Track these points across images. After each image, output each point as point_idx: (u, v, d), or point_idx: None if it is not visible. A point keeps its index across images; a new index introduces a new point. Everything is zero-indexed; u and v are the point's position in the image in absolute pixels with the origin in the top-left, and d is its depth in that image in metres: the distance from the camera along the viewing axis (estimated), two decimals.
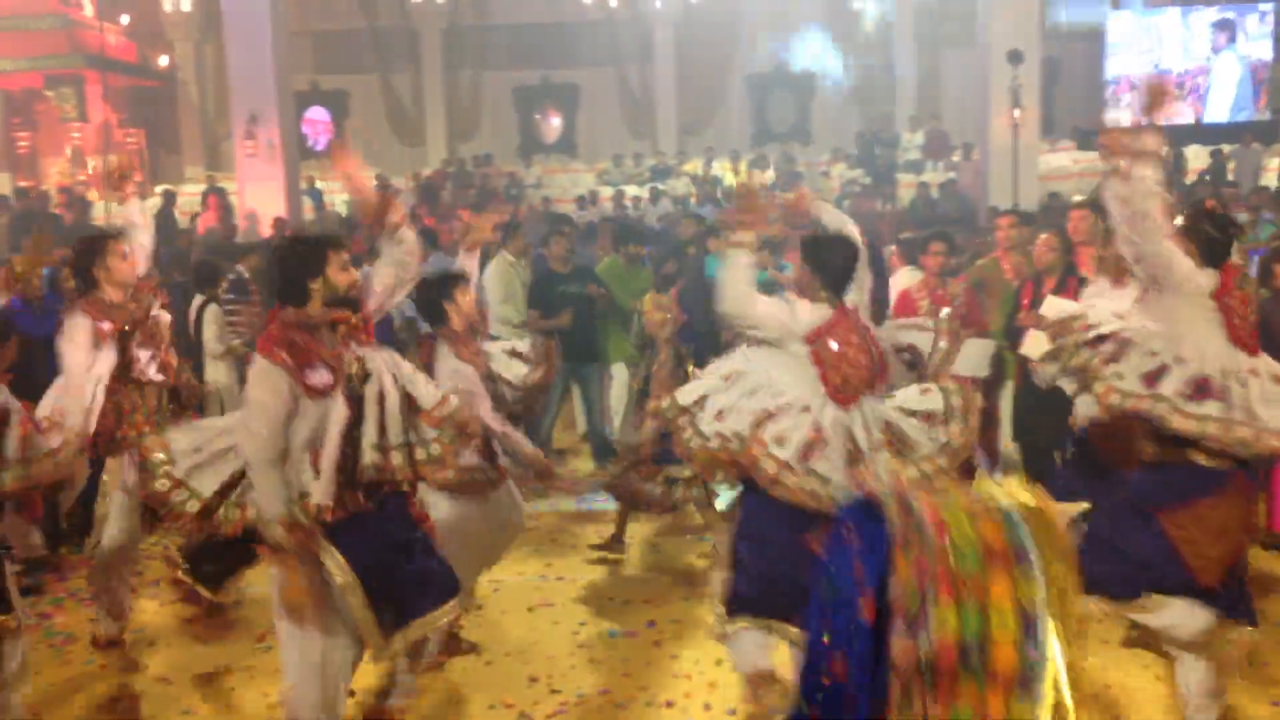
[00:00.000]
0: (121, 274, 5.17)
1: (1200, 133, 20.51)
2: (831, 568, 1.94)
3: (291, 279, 3.80)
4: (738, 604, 4.05)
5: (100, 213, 17.55)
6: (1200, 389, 3.76)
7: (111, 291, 5.16)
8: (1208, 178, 16.24)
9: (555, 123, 24.73)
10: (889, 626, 1.75)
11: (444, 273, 5.10)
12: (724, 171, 21.22)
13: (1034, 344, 6.18)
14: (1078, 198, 11.27)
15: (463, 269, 5.24)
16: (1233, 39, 21.63)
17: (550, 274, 8.62)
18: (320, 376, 3.70)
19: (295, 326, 3.76)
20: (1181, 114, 21.78)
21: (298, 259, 3.83)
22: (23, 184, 20.03)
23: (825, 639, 1.91)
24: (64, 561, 6.53)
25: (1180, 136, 19.47)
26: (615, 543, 6.59)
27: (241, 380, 8.39)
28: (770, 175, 20.80)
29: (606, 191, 20.07)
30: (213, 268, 8.96)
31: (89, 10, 19.86)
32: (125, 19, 21.20)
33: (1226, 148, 18.00)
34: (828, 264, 4.13)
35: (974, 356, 6.45)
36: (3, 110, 21.12)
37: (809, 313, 4.06)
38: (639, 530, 7.02)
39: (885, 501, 1.91)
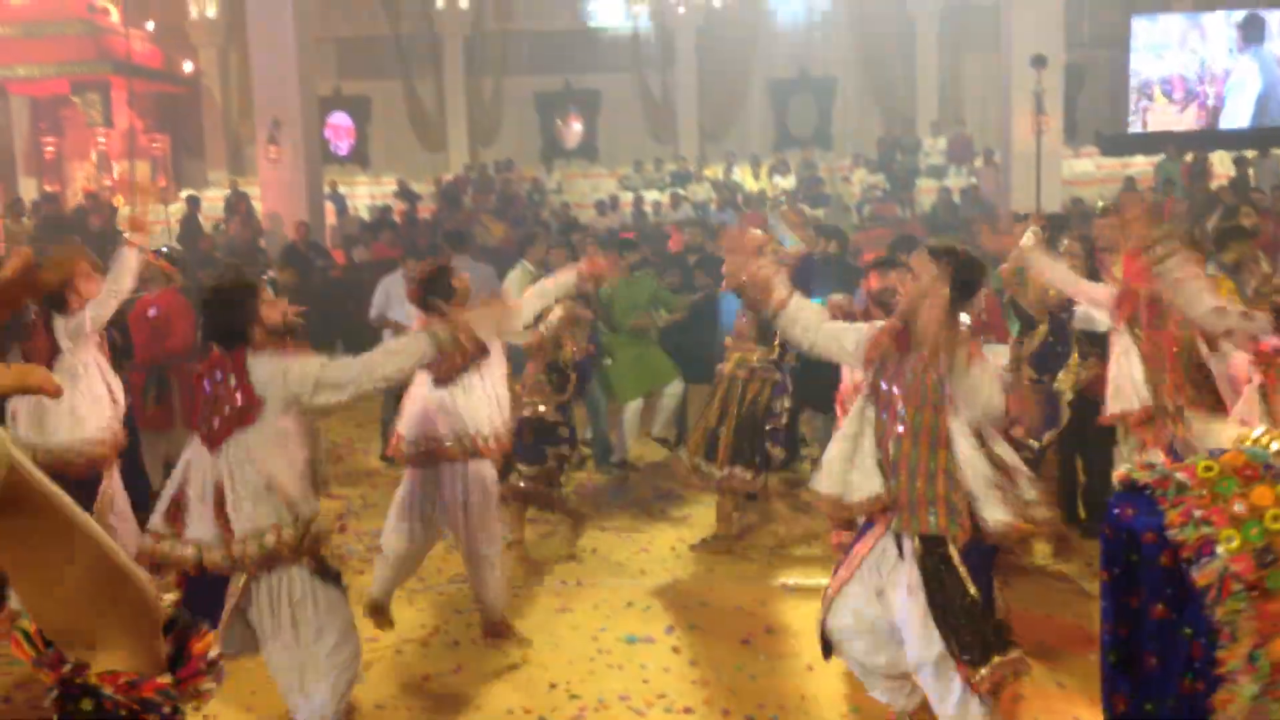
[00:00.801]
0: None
1: (1222, 138, 20.36)
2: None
3: (233, 324, 3.98)
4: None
5: (124, 218, 17.70)
6: None
7: None
8: (1233, 187, 16.08)
9: (576, 128, 24.77)
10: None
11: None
12: (745, 177, 21.21)
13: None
14: (1101, 203, 11.19)
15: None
16: (1260, 40, 21.42)
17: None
18: None
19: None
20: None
21: (233, 305, 3.99)
22: (49, 189, 20.23)
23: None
24: None
25: (1202, 142, 19.35)
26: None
27: None
28: (791, 180, 20.79)
29: (627, 197, 20.09)
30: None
31: (115, 17, 20.01)
32: (150, 25, 21.36)
33: (1250, 154, 17.86)
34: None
35: (996, 363, 6.43)
36: (29, 116, 21.31)
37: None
38: (659, 537, 7.03)
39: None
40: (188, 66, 22.76)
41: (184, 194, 20.17)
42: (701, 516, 7.34)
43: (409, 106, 24.44)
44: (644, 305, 8.58)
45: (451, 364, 5.15)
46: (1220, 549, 1.57)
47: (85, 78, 19.73)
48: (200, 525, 3.91)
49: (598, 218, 18.19)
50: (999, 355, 6.42)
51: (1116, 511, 1.72)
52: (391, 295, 9.08)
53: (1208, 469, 1.67)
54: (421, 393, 5.27)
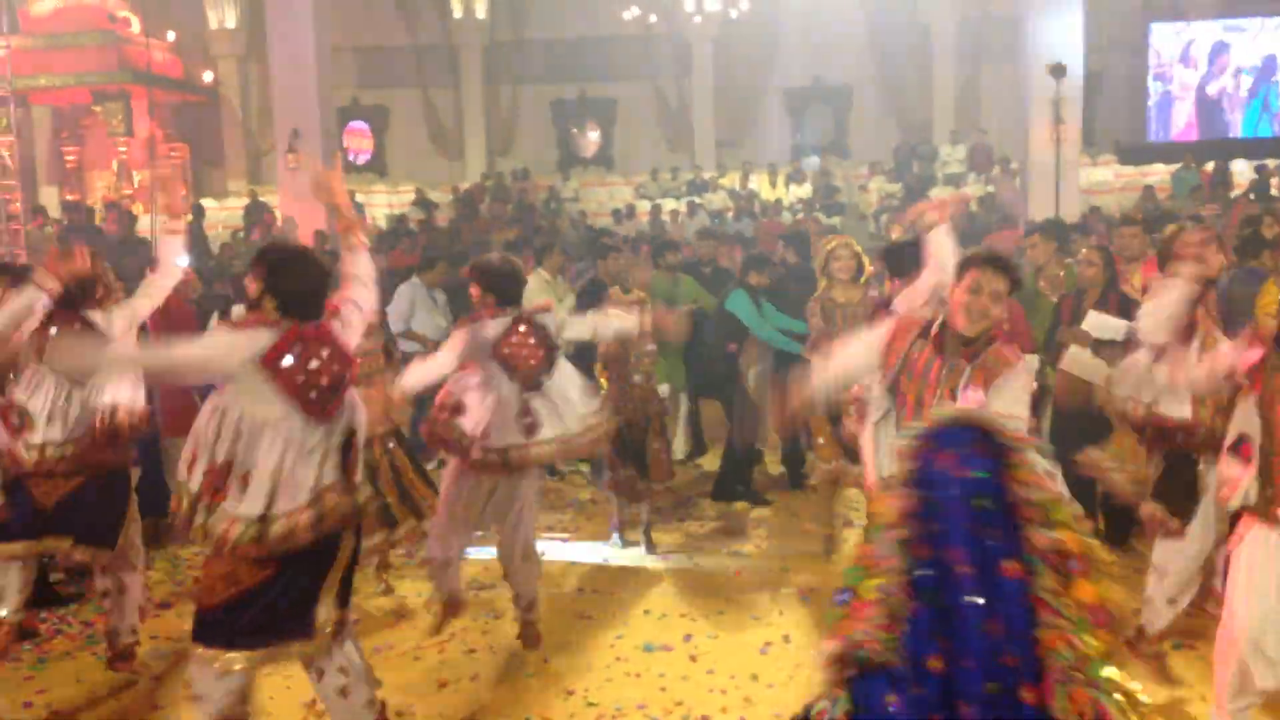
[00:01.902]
0: None
1: (1241, 147, 20.26)
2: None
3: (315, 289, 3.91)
4: None
5: (145, 226, 17.83)
6: None
7: None
8: (1253, 196, 16.01)
9: (593, 137, 24.82)
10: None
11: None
12: (761, 185, 21.21)
13: (1075, 360, 6.15)
14: (1120, 213, 11.16)
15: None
16: None
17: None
18: None
19: None
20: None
21: (315, 269, 3.94)
22: (70, 198, 20.37)
23: None
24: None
25: (1221, 151, 19.25)
26: None
27: None
28: (807, 189, 20.78)
29: (643, 205, 20.11)
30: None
31: (136, 27, 20.16)
32: (171, 36, 21.51)
33: (1272, 162, 17.77)
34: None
35: None
36: (51, 125, 21.49)
37: None
38: (675, 543, 7.02)
39: None
40: (208, 76, 22.90)
41: (191, 203, 20.33)
42: (717, 523, 7.35)
43: (426, 116, 24.55)
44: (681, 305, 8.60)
45: (531, 366, 5.11)
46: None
47: (106, 87, 19.87)
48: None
49: (614, 226, 18.21)
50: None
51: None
52: (416, 304, 9.13)
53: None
54: (498, 394, 5.11)
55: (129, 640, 5.18)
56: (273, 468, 3.66)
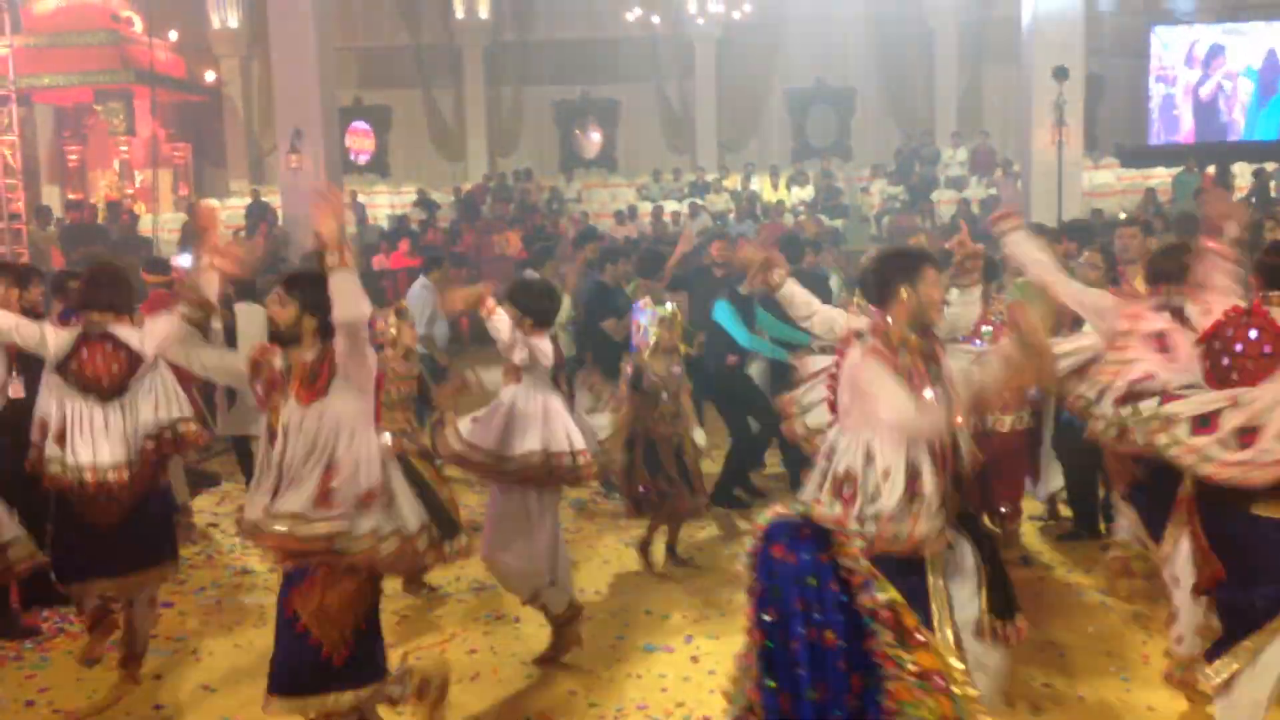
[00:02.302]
0: None
1: (1243, 150, 20.25)
2: None
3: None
4: None
5: (147, 225, 17.85)
6: None
7: None
8: (1254, 199, 16.01)
9: (595, 138, 24.82)
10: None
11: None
12: (763, 187, 21.22)
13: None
14: (1122, 215, 11.16)
15: None
16: None
17: (609, 291, 8.63)
18: None
19: None
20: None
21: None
22: (72, 196, 20.37)
23: None
24: None
25: (1222, 154, 19.25)
26: None
27: None
28: (810, 191, 20.78)
29: (645, 206, 20.12)
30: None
31: (138, 27, 20.16)
32: (173, 35, 21.51)
33: (1271, 166, 17.78)
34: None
35: None
36: (53, 124, 21.48)
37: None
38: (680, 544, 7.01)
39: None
40: (210, 76, 22.91)
41: (187, 202, 20.37)
42: (718, 525, 7.35)
43: (429, 116, 24.57)
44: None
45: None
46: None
47: (109, 87, 19.87)
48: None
49: (616, 227, 18.23)
50: None
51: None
52: (434, 308, 9.23)
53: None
54: (553, 406, 5.21)
55: (145, 645, 5.15)
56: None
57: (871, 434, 3.58)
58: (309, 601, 3.82)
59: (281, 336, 4.06)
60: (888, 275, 3.84)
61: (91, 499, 4.71)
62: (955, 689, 1.98)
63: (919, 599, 2.75)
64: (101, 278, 4.97)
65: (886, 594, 1.94)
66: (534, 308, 5.23)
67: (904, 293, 3.76)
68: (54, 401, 4.77)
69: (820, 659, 1.91)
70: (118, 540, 4.77)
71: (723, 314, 7.73)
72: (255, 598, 6.25)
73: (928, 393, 3.69)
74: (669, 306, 6.52)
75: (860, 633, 1.94)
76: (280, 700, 3.90)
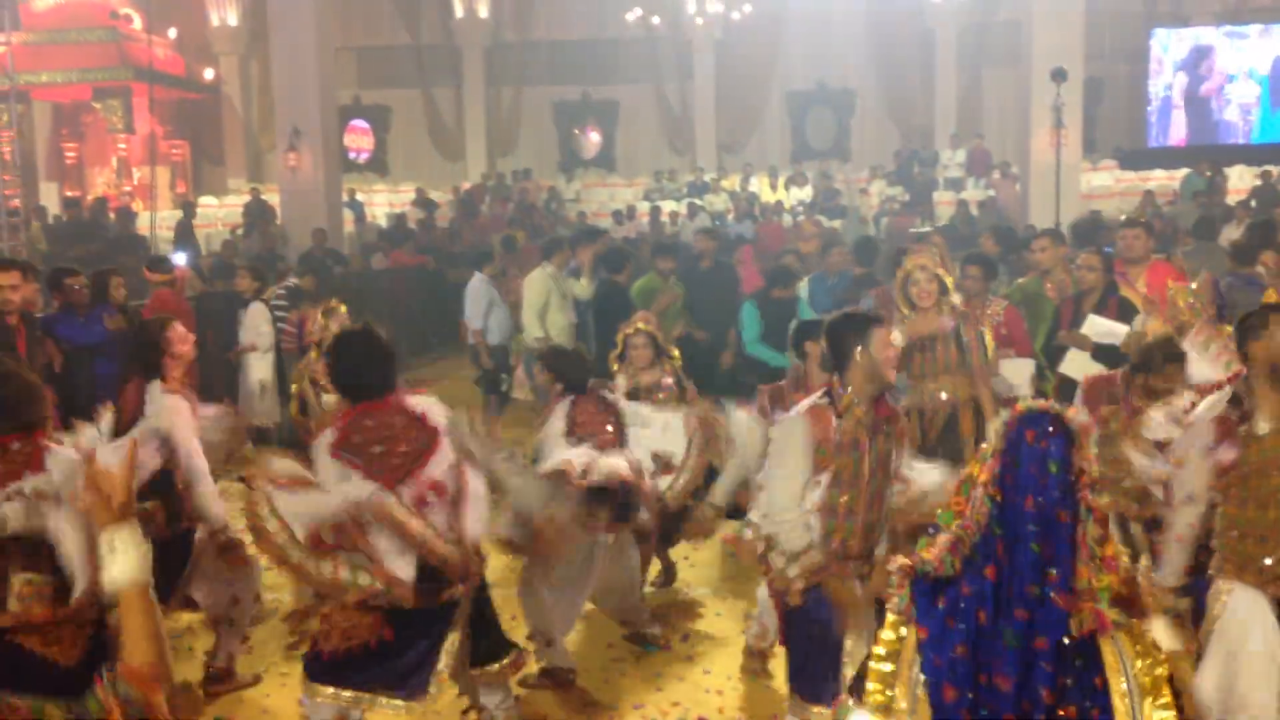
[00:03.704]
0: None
1: (1243, 152, 20.26)
2: None
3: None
4: None
5: (145, 223, 17.83)
6: None
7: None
8: (1253, 203, 15.96)
9: (595, 138, 24.82)
10: None
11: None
12: (762, 188, 21.22)
13: (1073, 363, 6.15)
14: (1123, 217, 11.15)
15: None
16: None
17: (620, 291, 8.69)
18: None
19: None
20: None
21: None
22: (70, 194, 20.37)
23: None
24: None
25: (1222, 156, 19.26)
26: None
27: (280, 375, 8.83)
28: (808, 192, 20.78)
29: (644, 207, 20.12)
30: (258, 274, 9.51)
31: (137, 24, 20.13)
32: (173, 33, 21.50)
33: (1275, 169, 17.77)
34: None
35: (1015, 377, 6.40)
36: (51, 121, 21.46)
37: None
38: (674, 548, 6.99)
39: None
40: (209, 74, 22.90)
41: (183, 201, 20.37)
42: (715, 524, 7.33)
43: (428, 116, 24.56)
44: (670, 313, 8.63)
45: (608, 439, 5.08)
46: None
47: (107, 84, 19.86)
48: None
49: (615, 227, 18.22)
50: (1022, 370, 6.39)
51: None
52: (493, 302, 9.74)
53: None
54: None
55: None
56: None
57: None
58: None
59: None
60: (840, 341, 3.86)
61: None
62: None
63: None
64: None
65: (1103, 500, 2.47)
66: (569, 376, 5.21)
67: (857, 355, 3.79)
68: None
69: (1049, 525, 2.28)
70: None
71: (748, 315, 7.90)
72: None
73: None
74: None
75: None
76: None
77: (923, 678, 2.28)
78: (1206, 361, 4.39)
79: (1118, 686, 2.20)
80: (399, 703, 3.96)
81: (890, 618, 2.35)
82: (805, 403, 3.92)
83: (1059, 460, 2.28)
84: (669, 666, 5.22)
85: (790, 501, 3.80)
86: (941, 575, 2.32)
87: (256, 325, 9.02)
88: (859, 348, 3.78)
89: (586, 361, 5.51)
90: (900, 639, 2.33)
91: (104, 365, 7.20)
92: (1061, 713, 2.20)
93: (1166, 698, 2.26)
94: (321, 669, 3.97)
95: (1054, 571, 2.26)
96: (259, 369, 9.04)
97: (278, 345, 9.00)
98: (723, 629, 5.67)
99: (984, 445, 2.42)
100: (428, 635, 3.98)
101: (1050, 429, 2.32)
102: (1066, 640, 2.24)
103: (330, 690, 3.95)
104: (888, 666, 2.34)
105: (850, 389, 3.79)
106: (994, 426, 2.41)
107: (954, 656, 2.27)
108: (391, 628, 3.89)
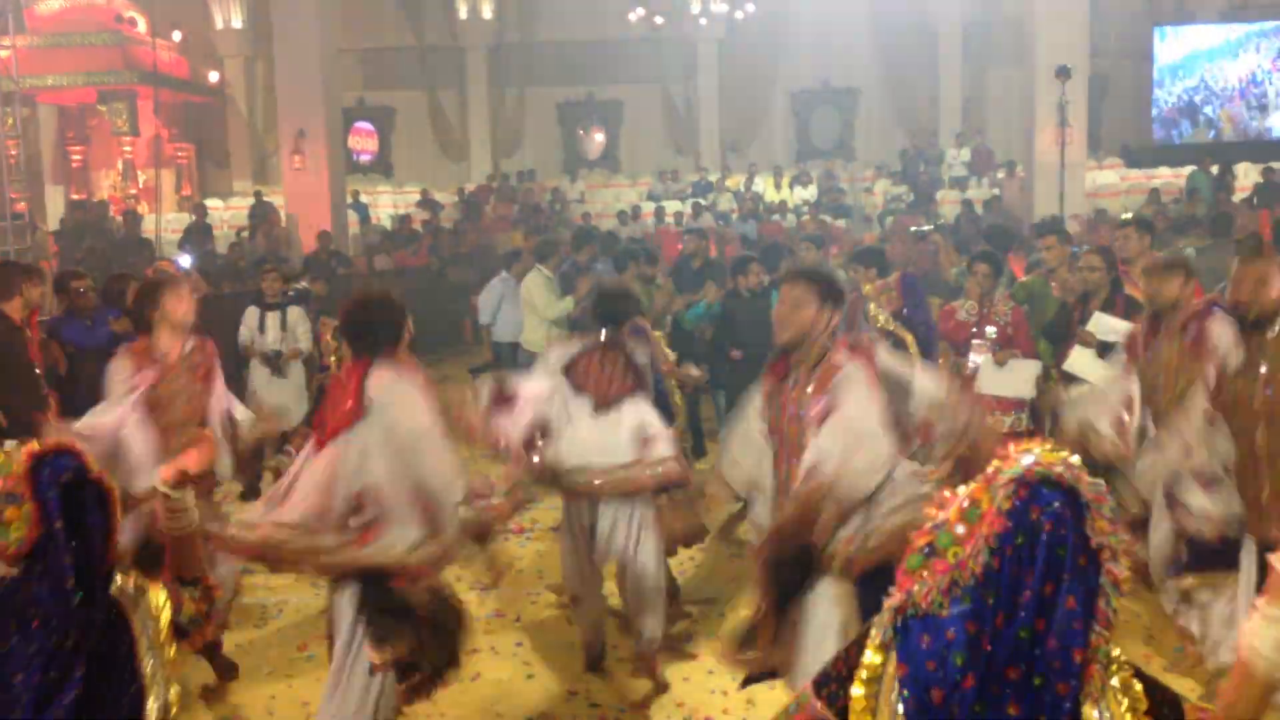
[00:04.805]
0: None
1: (1248, 149, 20.21)
2: None
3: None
4: None
5: (150, 226, 17.86)
6: None
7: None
8: (1255, 200, 15.93)
9: (599, 138, 24.83)
10: None
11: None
12: (766, 187, 21.21)
13: (1078, 361, 6.14)
14: (1125, 215, 11.14)
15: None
16: None
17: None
18: None
19: None
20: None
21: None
22: (76, 196, 20.40)
23: None
24: None
25: (1227, 153, 19.22)
26: None
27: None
28: (813, 191, 20.77)
29: (648, 206, 20.12)
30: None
31: (142, 27, 20.17)
32: (177, 36, 21.54)
33: (1278, 165, 17.74)
34: None
35: (1022, 378, 6.39)
36: (57, 124, 21.50)
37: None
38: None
39: None
40: (214, 76, 22.94)
41: (193, 203, 20.40)
42: (718, 523, 7.34)
43: (432, 117, 24.57)
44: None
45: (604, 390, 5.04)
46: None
47: (112, 87, 19.89)
48: None
49: (619, 227, 18.23)
50: (1027, 369, 6.38)
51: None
52: (504, 298, 10.05)
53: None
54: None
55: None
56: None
57: None
58: None
59: None
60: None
61: None
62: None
63: None
64: None
65: (1123, 567, 2.08)
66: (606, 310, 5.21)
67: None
68: None
69: (1052, 611, 2.05)
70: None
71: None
72: (256, 597, 6.23)
73: None
74: None
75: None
76: None
77: (900, 708, 2.13)
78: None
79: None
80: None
81: (874, 640, 2.21)
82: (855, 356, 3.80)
83: (1068, 545, 2.06)
84: (673, 666, 5.22)
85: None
86: (928, 612, 2.15)
87: (295, 329, 9.00)
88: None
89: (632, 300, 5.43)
90: (881, 666, 2.25)
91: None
92: None
93: (1139, 701, 2.09)
94: None
95: (1056, 662, 2.05)
96: (294, 373, 9.01)
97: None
98: (727, 629, 5.66)
99: (995, 471, 2.15)
100: None
101: (1058, 506, 2.07)
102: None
103: None
104: (868, 690, 2.26)
105: None
106: (1002, 478, 2.13)
107: (930, 700, 2.13)
108: None
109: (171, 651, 2.59)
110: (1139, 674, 2.09)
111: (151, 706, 2.49)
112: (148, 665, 2.50)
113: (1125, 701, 2.03)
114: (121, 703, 2.45)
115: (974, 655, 2.07)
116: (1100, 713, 2.02)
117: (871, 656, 2.23)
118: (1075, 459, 2.11)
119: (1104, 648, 2.06)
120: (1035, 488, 2.08)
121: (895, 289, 7.02)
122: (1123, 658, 2.06)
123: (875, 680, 2.21)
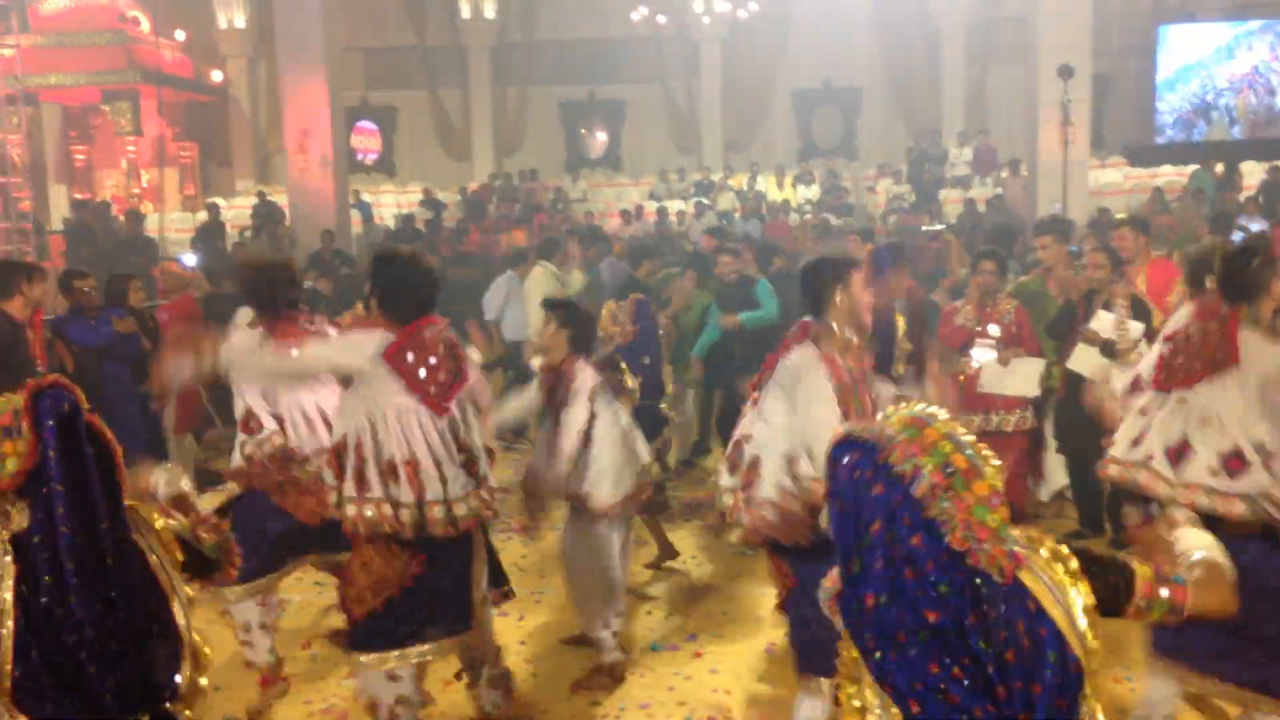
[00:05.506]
0: None
1: (1252, 148, 20.17)
2: None
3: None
4: None
5: (154, 225, 17.88)
6: None
7: None
8: (1260, 199, 15.90)
9: (601, 138, 24.84)
10: None
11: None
12: (769, 187, 21.20)
13: (1081, 358, 6.14)
14: (1122, 215, 11.16)
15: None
16: None
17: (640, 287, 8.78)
18: None
19: None
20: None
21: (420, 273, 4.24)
22: (79, 196, 20.43)
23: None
24: None
25: (1231, 152, 19.18)
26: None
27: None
28: (815, 190, 20.76)
29: (651, 206, 20.12)
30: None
31: (145, 27, 20.20)
32: (180, 35, 21.56)
33: None
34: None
35: (1026, 376, 6.40)
36: (60, 124, 21.54)
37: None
38: (681, 543, 7.00)
39: None
40: (217, 76, 22.96)
41: (206, 201, 20.41)
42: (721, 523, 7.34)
43: (435, 116, 24.59)
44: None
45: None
46: (925, 469, 2.11)
47: (116, 86, 19.92)
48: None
49: (622, 227, 18.23)
50: (1030, 368, 6.38)
51: (845, 459, 2.18)
52: (510, 296, 10.20)
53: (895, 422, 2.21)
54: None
55: None
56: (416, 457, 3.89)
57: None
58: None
59: None
60: (820, 283, 3.93)
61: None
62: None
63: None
64: None
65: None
66: (579, 331, 5.14)
67: (838, 298, 3.90)
68: None
69: (897, 544, 2.16)
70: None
71: (763, 292, 8.16)
72: None
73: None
74: None
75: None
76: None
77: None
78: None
79: (1049, 599, 2.14)
80: (445, 641, 4.03)
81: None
82: (801, 346, 3.87)
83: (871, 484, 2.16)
84: (676, 666, 5.23)
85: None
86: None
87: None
88: (840, 290, 3.90)
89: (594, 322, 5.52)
90: (855, 658, 2.26)
91: (113, 367, 7.24)
92: (1009, 656, 2.10)
93: (1078, 578, 2.20)
94: (363, 634, 4.00)
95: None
96: None
97: None
98: (730, 628, 5.68)
99: None
100: (456, 562, 4.04)
101: (864, 457, 2.18)
102: (986, 589, 2.10)
103: (374, 655, 3.97)
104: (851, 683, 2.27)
105: (836, 327, 3.89)
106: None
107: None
108: (418, 560, 3.93)
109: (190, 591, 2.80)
110: (1073, 550, 2.24)
111: (177, 609, 2.73)
112: (163, 575, 2.66)
113: (1059, 567, 2.19)
114: (149, 606, 2.63)
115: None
116: (1039, 576, 2.15)
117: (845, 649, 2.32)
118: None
119: (1010, 533, 2.15)
120: (837, 447, 2.23)
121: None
122: (1053, 543, 2.23)
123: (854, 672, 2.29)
